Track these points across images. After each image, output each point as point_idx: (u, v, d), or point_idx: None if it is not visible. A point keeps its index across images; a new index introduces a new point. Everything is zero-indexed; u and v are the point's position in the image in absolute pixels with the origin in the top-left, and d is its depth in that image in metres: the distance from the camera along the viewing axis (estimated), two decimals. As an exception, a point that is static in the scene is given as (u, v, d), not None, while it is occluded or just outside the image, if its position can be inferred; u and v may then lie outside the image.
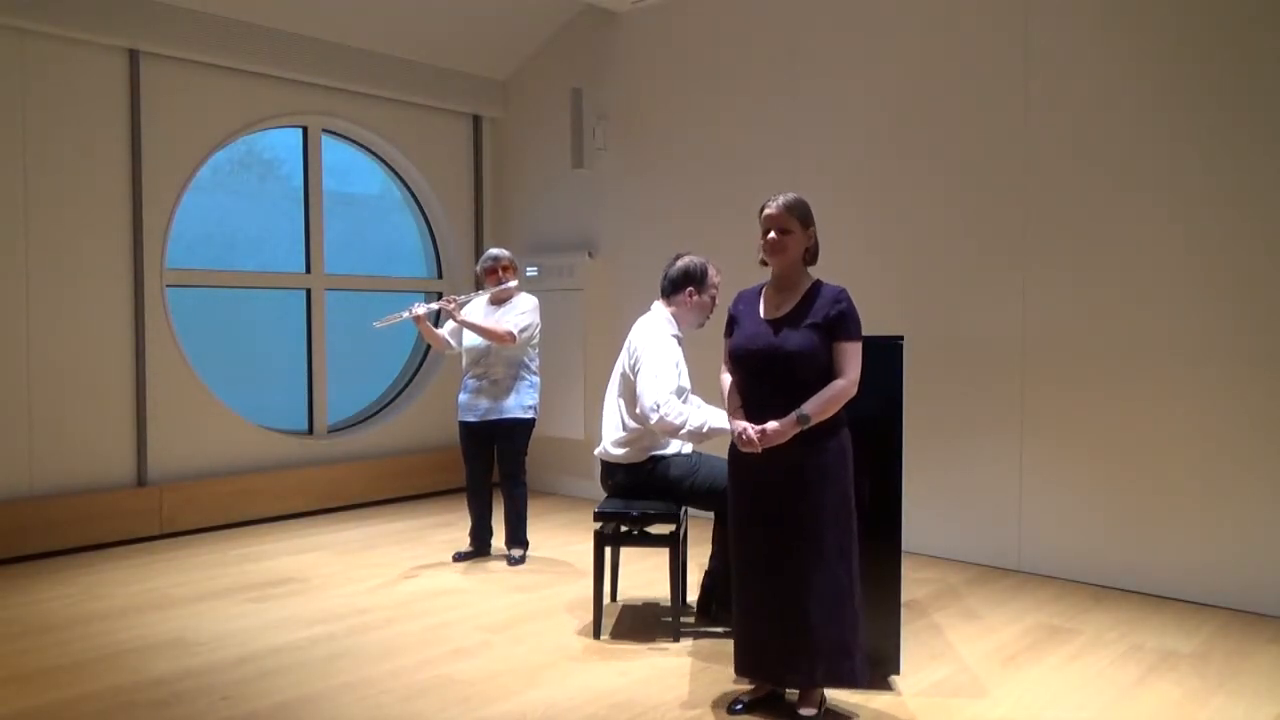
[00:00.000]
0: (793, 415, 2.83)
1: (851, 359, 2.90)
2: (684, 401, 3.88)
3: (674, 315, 3.98)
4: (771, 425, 2.84)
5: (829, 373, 2.89)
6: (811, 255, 3.02)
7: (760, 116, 5.82)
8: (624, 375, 3.92)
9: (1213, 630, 3.93)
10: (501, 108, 7.36)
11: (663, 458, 3.89)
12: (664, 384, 3.73)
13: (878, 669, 3.26)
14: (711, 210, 6.01)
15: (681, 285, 3.99)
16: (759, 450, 2.86)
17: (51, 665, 3.56)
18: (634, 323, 4.02)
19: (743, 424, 2.93)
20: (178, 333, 5.82)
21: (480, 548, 5.12)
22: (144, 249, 5.63)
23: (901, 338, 3.32)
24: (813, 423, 2.84)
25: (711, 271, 4.00)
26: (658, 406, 3.69)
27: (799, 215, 2.96)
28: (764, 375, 2.93)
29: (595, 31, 6.71)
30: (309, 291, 6.55)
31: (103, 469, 5.51)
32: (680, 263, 4.01)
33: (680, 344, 3.97)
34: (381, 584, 4.65)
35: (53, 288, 5.32)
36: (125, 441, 5.61)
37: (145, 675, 3.45)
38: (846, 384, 2.88)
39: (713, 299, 4.00)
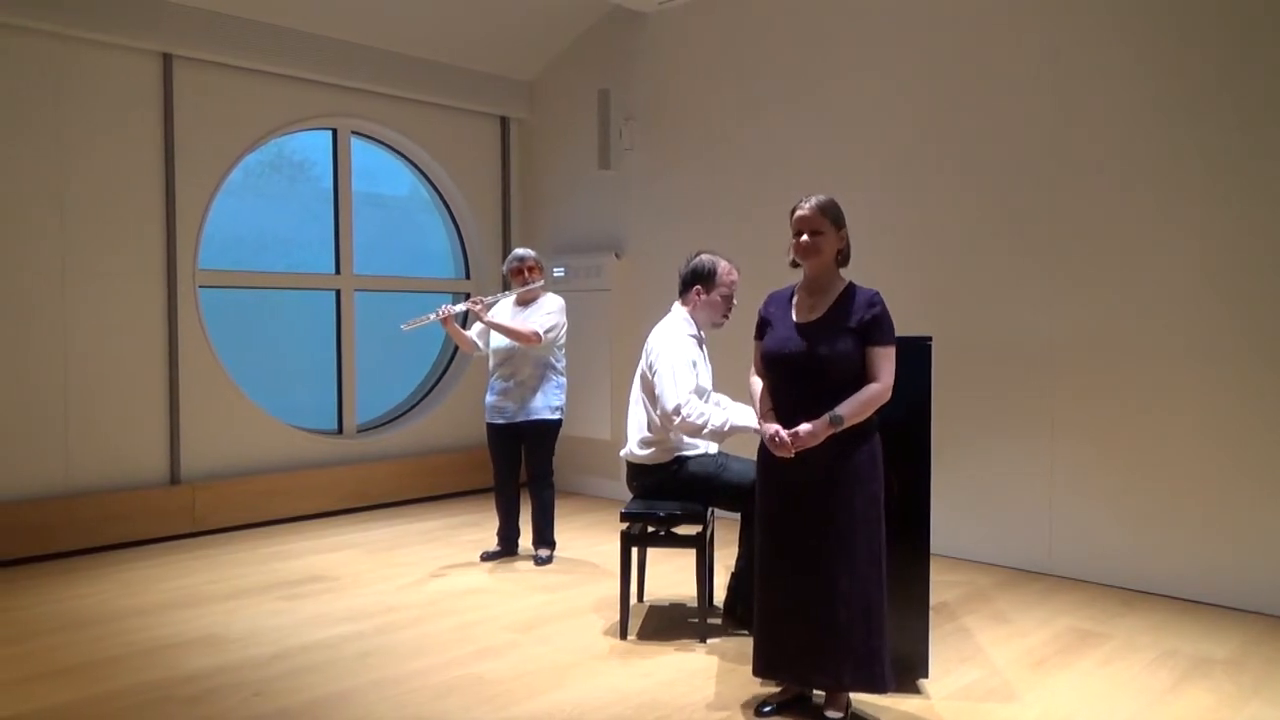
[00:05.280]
0: (826, 417, 2.82)
1: (886, 364, 2.89)
2: (705, 400, 3.88)
3: (691, 315, 3.98)
4: (805, 427, 2.83)
5: (863, 377, 2.89)
6: (844, 257, 3.01)
7: (788, 116, 5.80)
8: (643, 376, 3.93)
9: (1248, 636, 3.88)
10: (528, 109, 7.40)
11: (688, 458, 3.90)
12: (682, 385, 3.73)
13: (906, 672, 3.24)
14: (739, 210, 6.00)
15: (690, 284, 3.99)
16: (792, 454, 2.85)
17: (86, 661, 3.63)
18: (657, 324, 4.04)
19: (774, 426, 2.91)
20: (210, 333, 5.90)
21: (507, 547, 5.15)
22: (177, 250, 5.72)
23: (930, 338, 3.30)
24: (845, 425, 2.83)
25: (723, 270, 3.97)
26: (678, 408, 3.69)
27: (831, 216, 2.95)
28: (797, 379, 2.92)
29: (622, 32, 6.73)
30: (338, 292, 6.62)
31: (136, 467, 5.61)
32: (691, 262, 4.01)
33: (701, 344, 3.97)
34: (410, 583, 4.69)
35: (88, 288, 5.42)
36: (158, 440, 5.70)
37: (179, 671, 3.51)
38: (881, 388, 2.87)
39: (724, 298, 3.98)
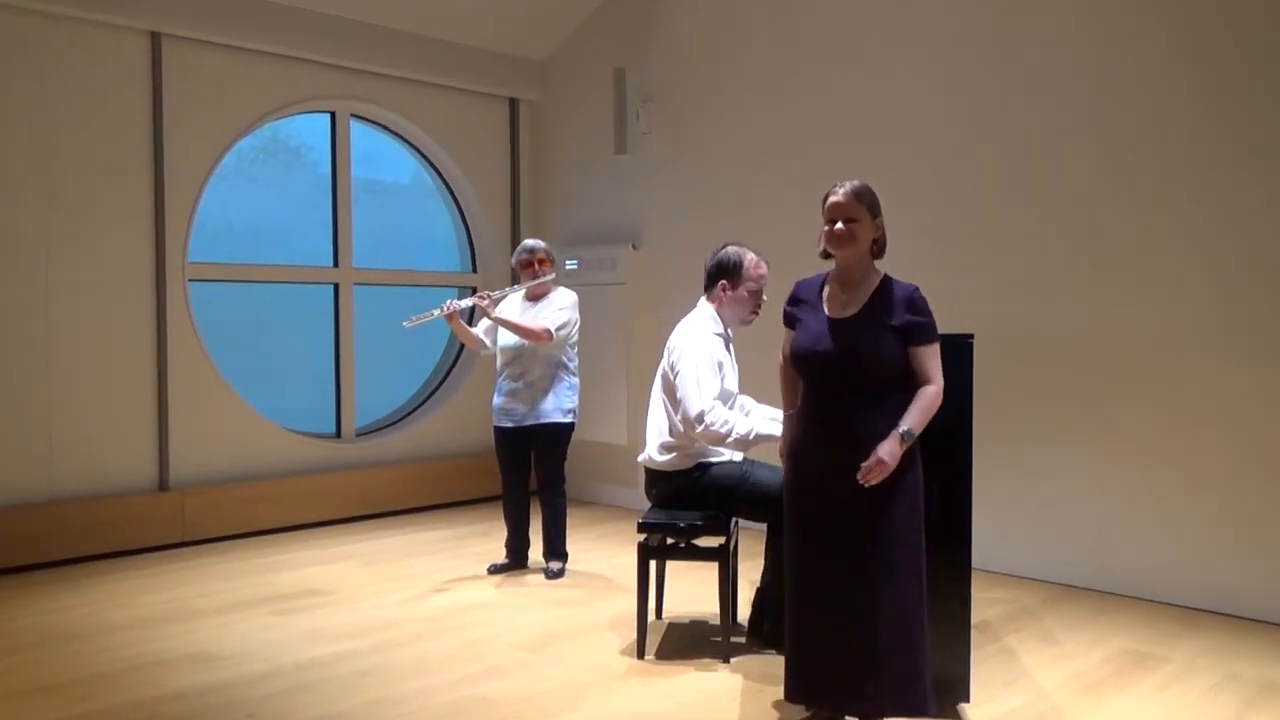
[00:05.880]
0: (897, 434, 2.80)
1: (934, 362, 2.89)
2: (730, 406, 3.87)
3: (718, 312, 3.97)
4: (885, 453, 2.78)
5: (903, 378, 2.87)
6: (879, 247, 2.99)
7: (816, 97, 5.78)
8: (664, 376, 3.92)
9: (1319, 659, 3.83)
10: (539, 90, 7.40)
11: (711, 464, 3.89)
12: (706, 390, 3.71)
13: (946, 695, 3.22)
14: (764, 198, 5.98)
15: (715, 279, 3.98)
16: (874, 481, 2.80)
17: (71, 678, 3.66)
18: (680, 320, 4.03)
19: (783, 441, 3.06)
20: (200, 330, 5.94)
21: (516, 560, 5.15)
22: (166, 241, 5.76)
23: (971, 336, 3.28)
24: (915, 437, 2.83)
25: (749, 263, 3.96)
26: (701, 416, 3.68)
27: (867, 204, 2.93)
28: (833, 379, 2.90)
29: (638, 8, 6.72)
30: (337, 286, 6.64)
31: (123, 473, 5.65)
32: (717, 255, 4.00)
33: (728, 343, 3.96)
34: (412, 597, 4.70)
35: (73, 282, 5.46)
36: (146, 444, 5.74)
37: (167, 689, 3.53)
38: (937, 390, 2.88)
39: (752, 293, 3.96)
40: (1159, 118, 4.54)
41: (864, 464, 2.79)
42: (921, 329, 2.88)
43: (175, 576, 5.10)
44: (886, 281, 2.97)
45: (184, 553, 5.60)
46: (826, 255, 3.01)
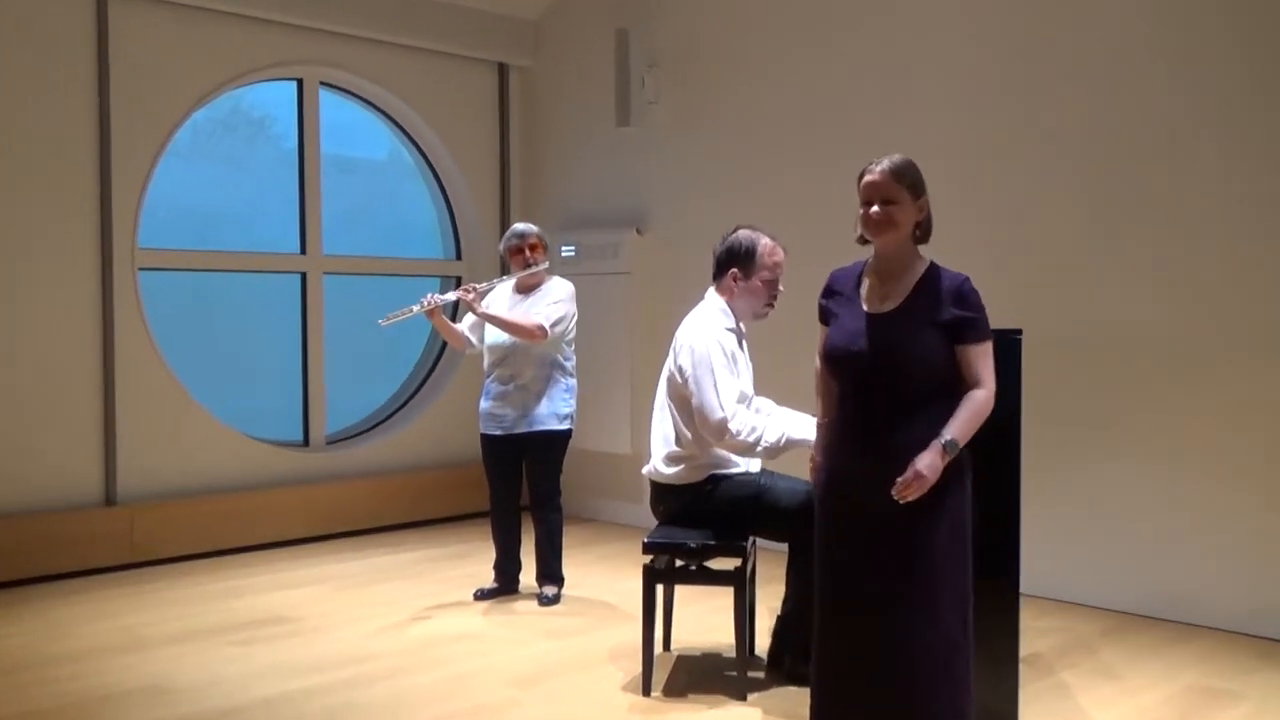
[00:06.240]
0: (938, 444, 2.77)
1: (985, 364, 2.86)
2: (748, 408, 3.85)
3: (729, 304, 3.96)
4: (924, 465, 2.75)
5: (949, 379, 2.85)
6: (923, 232, 2.96)
7: (847, 60, 5.77)
8: (671, 379, 3.92)
9: None
10: (532, 54, 7.40)
11: (725, 477, 3.88)
12: (727, 394, 3.70)
13: (990, 738, 3.22)
14: (787, 175, 5.97)
15: (725, 267, 3.97)
16: (912, 496, 2.78)
17: (7, 714, 3.66)
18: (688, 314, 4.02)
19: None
20: (151, 325, 5.94)
21: (506, 584, 5.16)
22: (113, 225, 5.75)
23: (1020, 332, 3.27)
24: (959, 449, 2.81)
25: (764, 249, 3.95)
26: (725, 424, 3.67)
27: (908, 183, 2.89)
28: (869, 383, 2.88)
29: (645, -39, 6.72)
30: (304, 276, 6.64)
31: (65, 485, 5.64)
32: (727, 240, 3.99)
33: (741, 339, 3.95)
34: (389, 626, 4.71)
35: (7, 271, 5.46)
36: (91, 453, 5.73)
37: (113, 730, 3.53)
38: (987, 395, 2.84)
39: (766, 282, 3.95)
40: (1218, 111, 4.54)
41: (900, 478, 2.77)
42: (971, 325, 2.85)
43: (124, 602, 5.10)
44: (933, 270, 2.93)
45: (133, 575, 5.60)
46: (864, 241, 2.98)
